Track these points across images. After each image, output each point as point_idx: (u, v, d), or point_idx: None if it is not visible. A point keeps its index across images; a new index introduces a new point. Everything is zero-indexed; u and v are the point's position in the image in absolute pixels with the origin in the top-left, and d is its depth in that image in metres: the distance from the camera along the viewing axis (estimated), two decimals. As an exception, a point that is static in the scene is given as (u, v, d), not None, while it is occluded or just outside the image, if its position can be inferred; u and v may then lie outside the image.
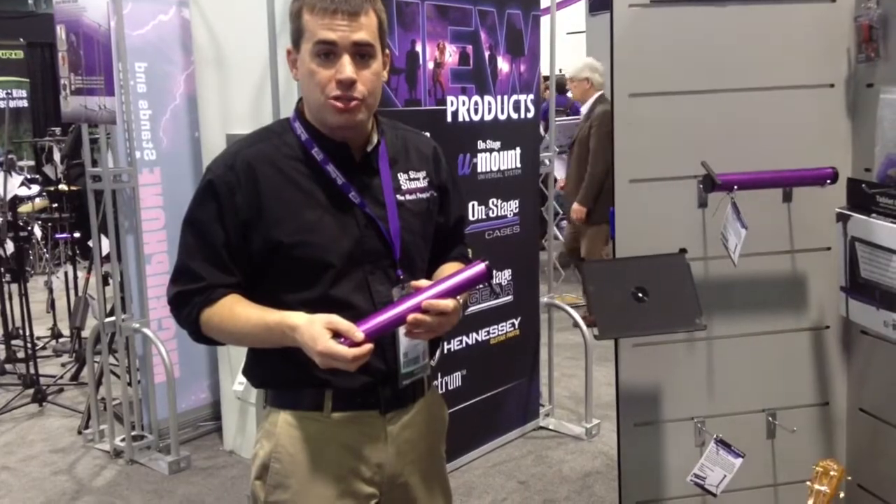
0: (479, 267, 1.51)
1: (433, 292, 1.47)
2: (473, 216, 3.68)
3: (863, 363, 2.28)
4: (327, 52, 1.51)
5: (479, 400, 3.82)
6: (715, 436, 2.22)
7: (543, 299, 4.16)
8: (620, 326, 1.95)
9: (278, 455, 1.61)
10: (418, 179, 1.69)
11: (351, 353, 1.40)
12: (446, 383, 3.65)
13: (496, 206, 3.78)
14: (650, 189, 2.16)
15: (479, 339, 3.79)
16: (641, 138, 2.16)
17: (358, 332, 1.42)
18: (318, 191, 1.56)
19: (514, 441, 4.11)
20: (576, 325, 4.17)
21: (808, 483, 2.11)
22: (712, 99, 2.19)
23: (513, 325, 3.97)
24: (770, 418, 2.32)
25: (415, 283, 1.53)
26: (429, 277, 1.68)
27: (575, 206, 5.35)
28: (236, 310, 1.56)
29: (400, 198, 1.64)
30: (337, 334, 1.42)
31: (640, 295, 1.96)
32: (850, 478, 2.10)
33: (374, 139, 1.63)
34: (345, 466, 1.62)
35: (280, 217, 1.54)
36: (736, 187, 2.02)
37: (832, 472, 2.06)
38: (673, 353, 2.18)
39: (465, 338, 3.71)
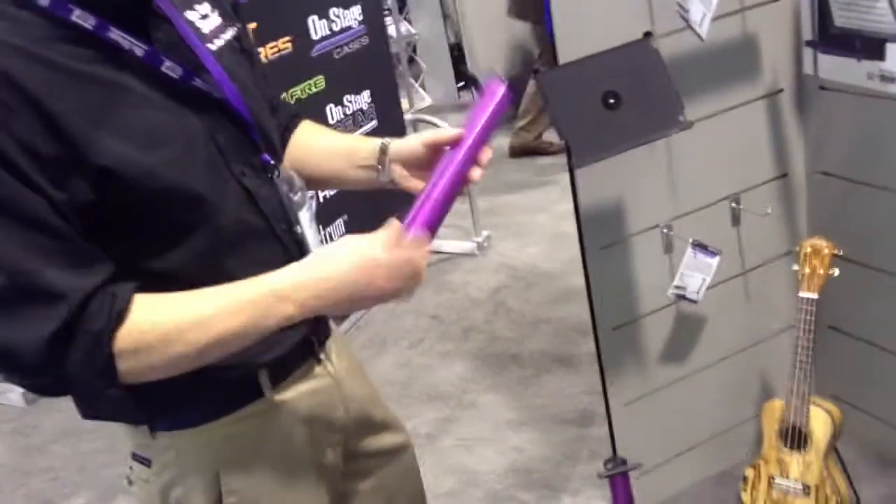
0: (501, 90, 1.10)
1: (474, 140, 1.08)
2: (316, 34, 3.10)
3: (822, 123, 2.06)
4: None
5: (366, 242, 3.43)
6: (691, 239, 1.96)
7: (407, 116, 3.71)
8: (598, 146, 1.57)
9: (231, 486, 1.12)
10: (209, 16, 1.11)
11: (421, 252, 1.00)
12: (329, 234, 3.21)
13: (338, 16, 3.19)
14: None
15: (354, 176, 3.33)
16: None
17: (409, 234, 1.00)
18: (117, 77, 0.95)
19: (407, 274, 3.79)
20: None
21: (797, 267, 1.92)
22: None
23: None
24: (734, 204, 2.08)
25: (443, 136, 1.11)
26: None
27: None
28: (180, 313, 0.95)
29: (211, 47, 1.08)
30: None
31: (612, 101, 1.57)
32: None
33: None
34: (309, 445, 1.20)
35: (92, 136, 0.91)
36: (697, -59, 1.62)
37: (824, 251, 1.88)
38: (631, 160, 1.84)
39: (339, 179, 3.25)
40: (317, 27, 3.08)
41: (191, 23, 1.07)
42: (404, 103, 3.80)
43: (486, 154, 1.11)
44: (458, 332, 3.26)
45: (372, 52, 3.38)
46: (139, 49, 0.96)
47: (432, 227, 1.03)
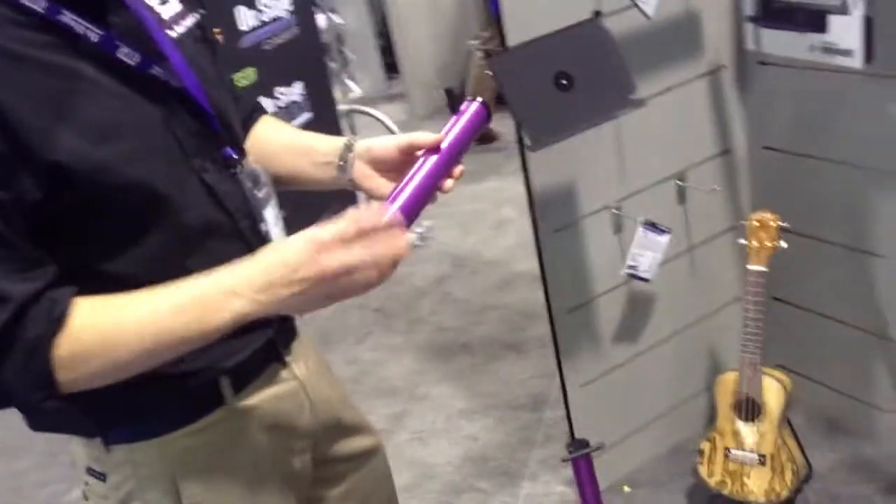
0: (475, 106, 1.09)
1: (449, 148, 1.06)
2: (243, 25, 3.00)
3: (763, 98, 2.09)
4: None
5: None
6: (641, 219, 1.96)
7: (340, 107, 3.65)
8: (553, 129, 1.56)
9: (193, 499, 1.05)
10: (169, 1, 1.05)
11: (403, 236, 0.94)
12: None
13: (266, 6, 3.10)
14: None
15: (290, 170, 3.26)
16: None
17: (386, 215, 0.93)
18: (71, 63, 0.88)
19: (348, 268, 3.73)
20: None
21: (744, 241, 1.94)
22: None
23: (317, 143, 3.45)
24: (679, 182, 2.09)
25: (421, 141, 1.08)
26: None
27: None
28: (121, 315, 0.89)
29: (171, 34, 1.02)
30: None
31: (564, 82, 1.56)
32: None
33: None
34: (275, 452, 1.13)
35: (43, 129, 0.84)
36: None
37: (771, 223, 1.90)
38: (579, 142, 1.83)
39: (275, 173, 3.17)
40: (243, 18, 2.99)
41: (150, 8, 1.01)
42: (336, 94, 3.73)
43: (458, 168, 1.08)
44: (404, 324, 3.22)
45: (303, 42, 3.31)
46: (93, 34, 0.89)
47: (408, 216, 0.98)
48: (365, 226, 0.89)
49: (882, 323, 2.06)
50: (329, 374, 1.28)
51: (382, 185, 1.12)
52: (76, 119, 0.86)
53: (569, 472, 2.34)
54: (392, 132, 3.81)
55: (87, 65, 0.89)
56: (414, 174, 1.03)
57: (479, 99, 1.09)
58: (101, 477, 1.06)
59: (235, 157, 1.04)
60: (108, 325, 0.88)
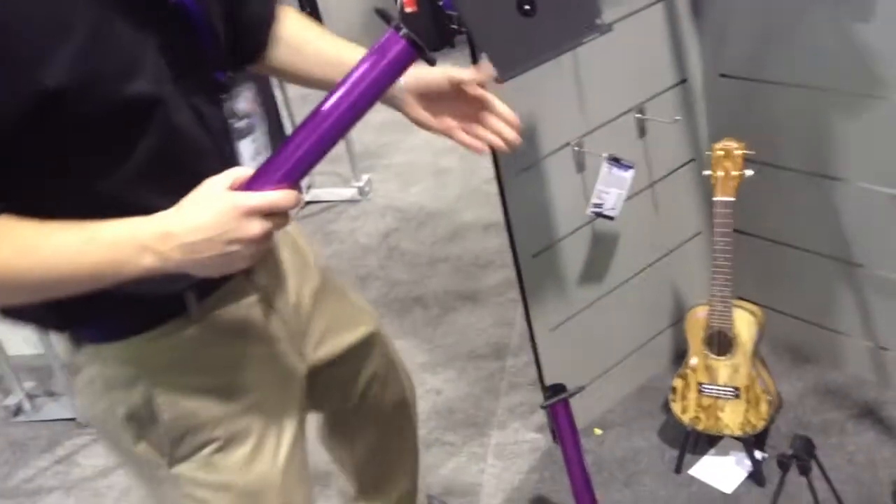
0: (398, 46, 0.92)
1: (356, 90, 0.93)
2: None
3: (718, 23, 2.02)
4: None
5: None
6: (606, 154, 1.89)
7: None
8: (519, 57, 1.46)
9: (162, 400, 1.07)
10: None
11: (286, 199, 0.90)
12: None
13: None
14: None
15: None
16: None
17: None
18: None
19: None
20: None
21: (709, 172, 1.89)
22: None
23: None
24: (638, 115, 2.03)
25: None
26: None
27: None
28: (28, 238, 0.87)
29: None
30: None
31: (527, 7, 1.46)
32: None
33: None
34: (254, 354, 1.16)
35: (41, 52, 0.82)
36: None
37: (736, 151, 1.86)
38: (538, 78, 1.74)
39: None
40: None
41: None
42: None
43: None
44: (354, 281, 3.11)
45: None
46: None
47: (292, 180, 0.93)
48: (279, 203, 0.89)
49: (845, 248, 2.05)
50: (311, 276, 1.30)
51: (424, 116, 1.19)
52: (71, 41, 0.83)
53: (538, 418, 2.30)
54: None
55: None
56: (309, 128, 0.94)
57: (404, 31, 0.92)
58: (76, 372, 1.11)
59: (224, 82, 1.01)
60: (6, 250, 0.86)
